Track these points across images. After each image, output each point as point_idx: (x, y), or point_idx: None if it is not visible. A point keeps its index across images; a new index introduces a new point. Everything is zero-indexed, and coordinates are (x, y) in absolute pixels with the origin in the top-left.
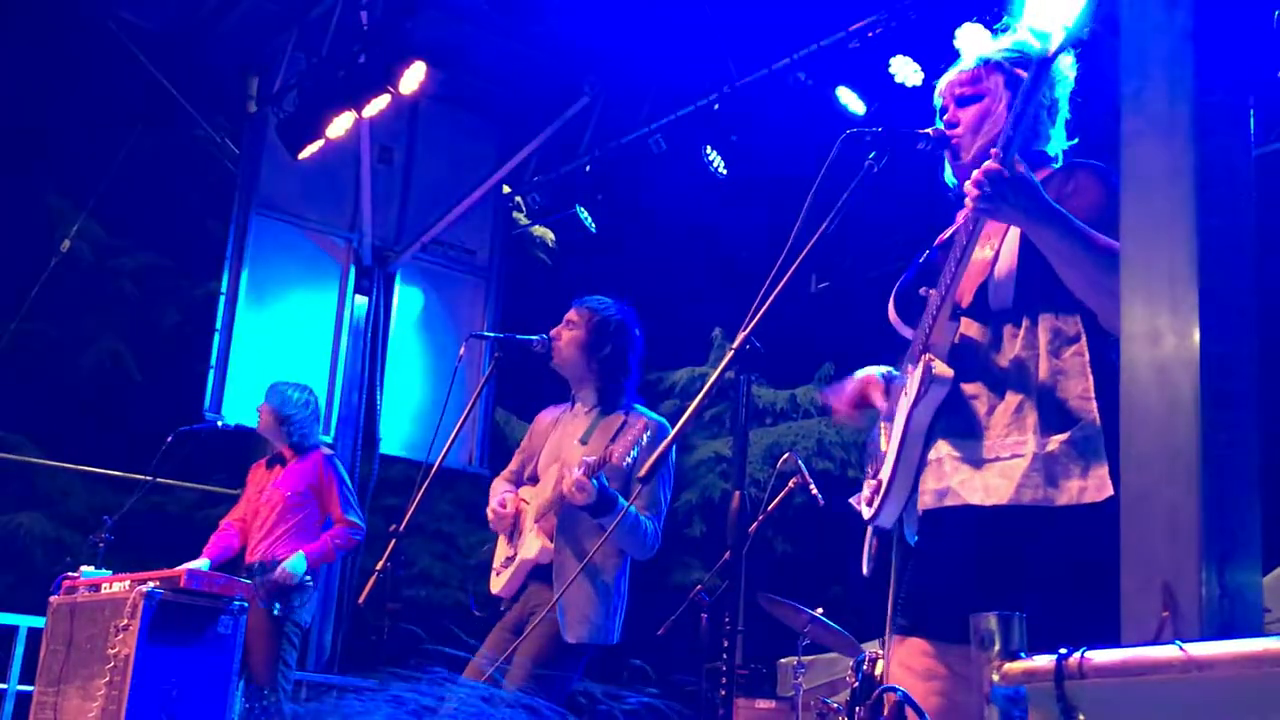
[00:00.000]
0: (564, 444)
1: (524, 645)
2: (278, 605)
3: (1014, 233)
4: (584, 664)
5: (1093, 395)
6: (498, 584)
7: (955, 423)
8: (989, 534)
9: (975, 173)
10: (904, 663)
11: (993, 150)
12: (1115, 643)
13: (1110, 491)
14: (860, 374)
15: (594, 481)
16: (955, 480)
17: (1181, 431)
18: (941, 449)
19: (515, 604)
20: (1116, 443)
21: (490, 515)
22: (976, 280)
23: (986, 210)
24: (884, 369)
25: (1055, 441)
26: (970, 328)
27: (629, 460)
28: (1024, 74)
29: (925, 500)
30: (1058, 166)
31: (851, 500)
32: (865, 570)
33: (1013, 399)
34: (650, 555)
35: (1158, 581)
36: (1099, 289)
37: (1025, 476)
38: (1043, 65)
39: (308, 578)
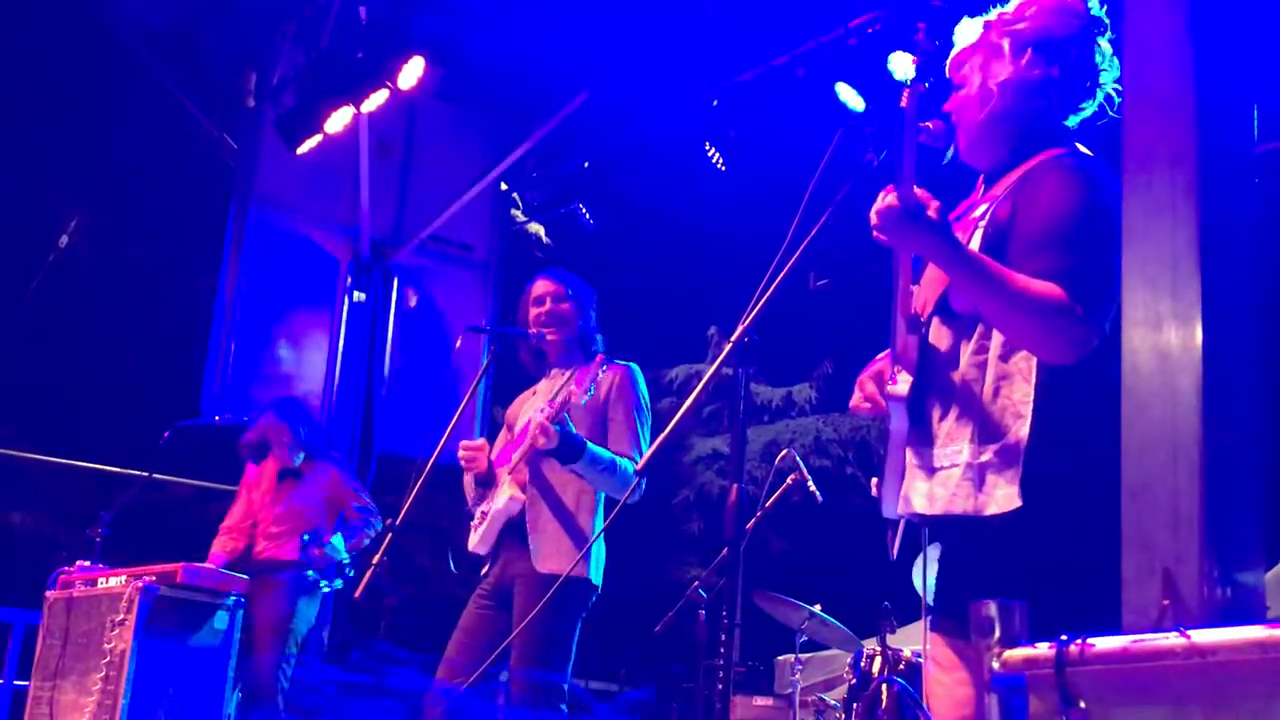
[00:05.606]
0: (539, 404)
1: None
2: (314, 573)
3: (977, 235)
4: (573, 601)
5: (1030, 401)
6: (474, 539)
7: (917, 430)
8: (940, 541)
9: (879, 201)
10: (931, 656)
11: (889, 186)
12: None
13: (1018, 503)
14: (863, 375)
15: (557, 426)
16: (908, 487)
17: (1183, 419)
18: (908, 457)
19: (493, 567)
20: (1053, 450)
21: (461, 452)
22: (940, 286)
23: (890, 244)
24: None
25: (989, 450)
26: (935, 334)
27: (585, 398)
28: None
29: (900, 507)
30: (1060, 152)
31: (873, 483)
32: (892, 554)
33: (959, 407)
34: (636, 498)
35: (1158, 570)
36: (1011, 329)
37: (959, 486)
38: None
39: (344, 557)
